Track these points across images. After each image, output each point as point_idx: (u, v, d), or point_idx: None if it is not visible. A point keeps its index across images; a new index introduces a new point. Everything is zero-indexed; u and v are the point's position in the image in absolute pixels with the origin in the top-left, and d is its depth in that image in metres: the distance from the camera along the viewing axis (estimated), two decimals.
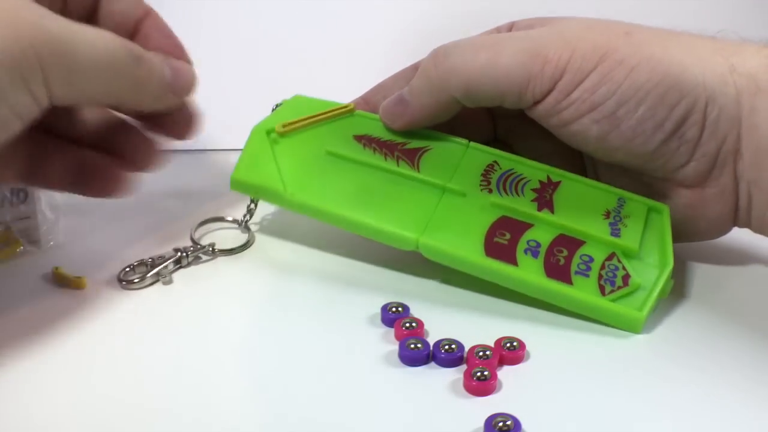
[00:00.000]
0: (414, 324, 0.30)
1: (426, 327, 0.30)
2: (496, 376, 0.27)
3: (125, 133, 0.32)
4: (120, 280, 0.32)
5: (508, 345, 0.29)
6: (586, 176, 0.35)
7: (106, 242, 0.36)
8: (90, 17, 0.32)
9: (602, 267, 0.31)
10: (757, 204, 0.32)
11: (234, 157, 0.36)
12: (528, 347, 0.29)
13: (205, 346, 0.29)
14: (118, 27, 0.32)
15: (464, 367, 0.28)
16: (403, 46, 0.43)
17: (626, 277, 0.31)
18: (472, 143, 0.35)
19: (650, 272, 0.31)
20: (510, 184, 0.34)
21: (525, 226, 0.32)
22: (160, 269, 0.33)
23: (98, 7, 0.32)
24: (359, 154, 0.35)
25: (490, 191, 0.33)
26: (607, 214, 0.33)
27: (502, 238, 0.32)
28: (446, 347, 0.28)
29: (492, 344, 0.29)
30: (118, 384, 0.27)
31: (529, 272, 0.31)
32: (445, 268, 0.32)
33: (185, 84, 0.32)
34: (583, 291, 0.30)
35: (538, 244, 0.32)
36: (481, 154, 0.35)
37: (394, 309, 0.31)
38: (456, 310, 0.32)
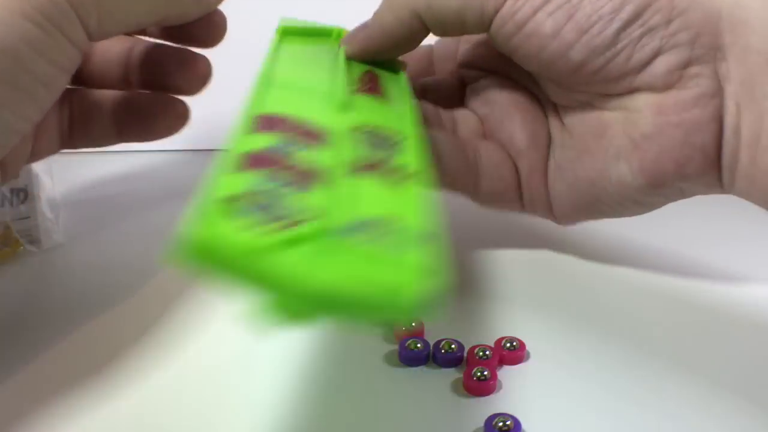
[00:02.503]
0: (414, 324, 0.30)
1: (426, 327, 0.30)
2: (496, 376, 0.27)
3: (164, 56, 0.31)
4: None
5: (508, 345, 0.29)
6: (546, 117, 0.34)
7: (107, 242, 0.36)
8: None
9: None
10: (748, 120, 0.27)
11: None
12: (528, 347, 0.29)
13: (200, 345, 0.29)
14: None
15: (464, 367, 0.28)
16: None
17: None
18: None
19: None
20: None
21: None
22: None
23: None
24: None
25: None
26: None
27: None
28: (446, 347, 0.28)
29: (492, 344, 0.29)
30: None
31: None
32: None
33: None
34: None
35: None
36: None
37: None
38: (456, 310, 0.32)
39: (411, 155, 0.26)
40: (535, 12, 0.29)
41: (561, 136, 0.33)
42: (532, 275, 0.34)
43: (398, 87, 0.33)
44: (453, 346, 0.28)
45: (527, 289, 0.33)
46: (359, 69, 0.34)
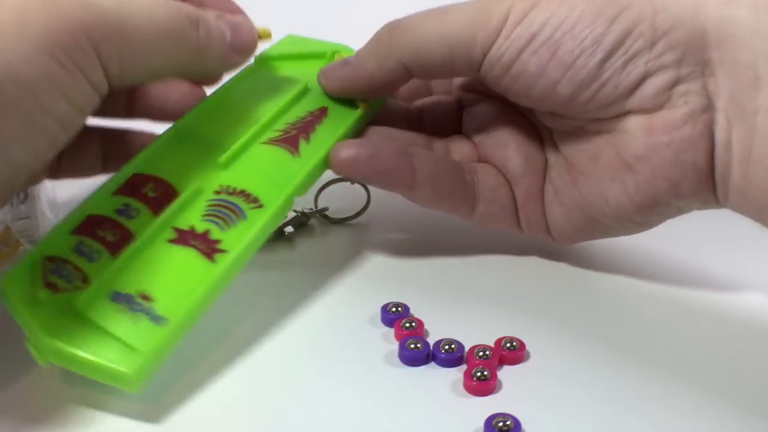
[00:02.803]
0: (414, 324, 0.30)
1: (426, 327, 0.30)
2: (496, 376, 0.27)
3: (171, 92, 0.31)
4: None
5: (508, 345, 0.28)
6: (543, 148, 0.34)
7: None
8: None
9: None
10: (739, 134, 0.27)
11: None
12: (528, 347, 0.29)
13: (201, 344, 0.29)
14: None
15: (464, 367, 0.28)
16: None
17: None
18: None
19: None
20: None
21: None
22: None
23: None
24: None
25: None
26: None
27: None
28: (446, 347, 0.28)
29: (492, 344, 0.29)
30: None
31: None
32: (446, 267, 0.32)
33: (247, 40, 0.31)
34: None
35: None
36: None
37: (394, 309, 0.31)
38: (456, 310, 0.32)
39: (243, 229, 0.29)
40: (519, 52, 0.30)
41: (557, 161, 0.33)
42: (533, 276, 0.34)
43: (335, 130, 0.33)
44: (453, 346, 0.28)
45: (527, 290, 0.33)
46: (314, 103, 0.34)
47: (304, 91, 0.35)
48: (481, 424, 0.25)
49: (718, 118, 0.27)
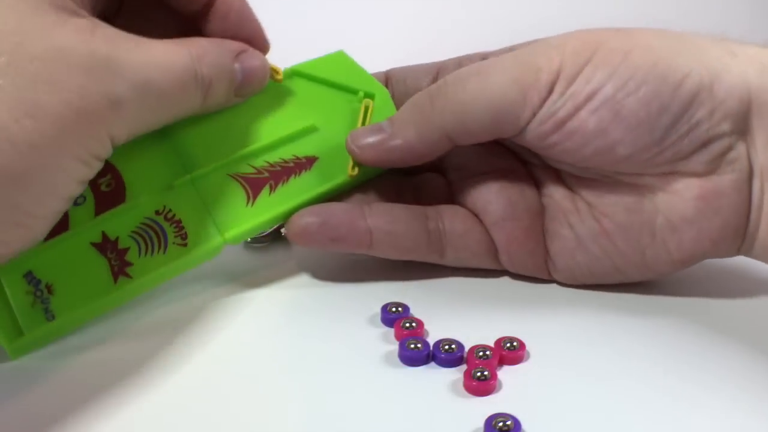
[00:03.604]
0: (414, 324, 0.30)
1: (426, 327, 0.30)
2: (496, 376, 0.27)
3: None
4: None
5: (508, 345, 0.28)
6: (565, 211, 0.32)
7: None
8: None
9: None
10: None
11: None
12: (528, 347, 0.29)
13: (202, 344, 0.29)
14: (189, 4, 0.31)
15: (464, 367, 0.28)
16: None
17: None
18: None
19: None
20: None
21: None
22: None
23: None
24: None
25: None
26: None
27: None
28: (446, 347, 0.28)
29: (492, 344, 0.29)
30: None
31: None
32: (446, 267, 0.32)
33: (254, 89, 0.31)
34: None
35: None
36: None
37: (393, 309, 0.31)
38: (456, 310, 0.32)
39: (156, 262, 0.29)
40: (577, 110, 0.29)
41: (574, 206, 0.32)
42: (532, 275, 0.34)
43: (307, 189, 0.32)
44: (453, 346, 0.28)
45: (527, 290, 0.33)
46: (308, 148, 0.33)
47: (307, 131, 0.33)
48: (481, 424, 0.25)
49: (755, 182, 0.29)
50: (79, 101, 0.25)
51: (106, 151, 0.27)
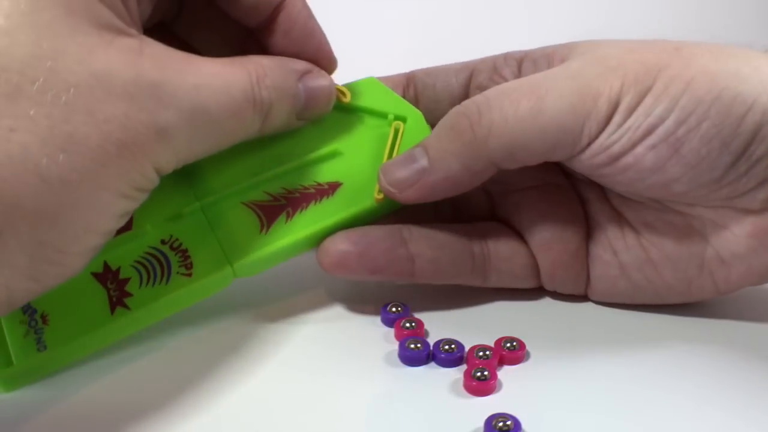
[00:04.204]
0: (414, 324, 0.30)
1: (426, 327, 0.30)
2: (496, 376, 0.27)
3: None
4: None
5: (508, 345, 0.28)
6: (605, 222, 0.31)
7: None
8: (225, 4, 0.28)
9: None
10: None
11: None
12: (528, 347, 0.29)
13: (200, 344, 0.29)
14: (251, 16, 0.29)
15: (464, 367, 0.28)
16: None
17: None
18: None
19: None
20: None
21: None
22: None
23: None
24: None
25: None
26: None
27: None
28: (446, 347, 0.28)
29: (492, 344, 0.29)
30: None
31: None
32: None
33: (319, 109, 0.29)
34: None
35: None
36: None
37: (394, 309, 0.31)
38: (456, 310, 0.32)
39: (158, 293, 0.28)
40: (634, 145, 0.27)
41: (620, 231, 0.31)
42: None
43: (327, 216, 0.30)
44: (453, 346, 0.28)
45: (527, 290, 0.33)
46: (331, 174, 0.30)
47: (329, 156, 0.31)
48: (481, 424, 0.25)
49: None
50: (121, 132, 0.22)
51: (151, 183, 0.24)
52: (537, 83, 0.28)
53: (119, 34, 0.23)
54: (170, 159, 0.24)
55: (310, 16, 0.29)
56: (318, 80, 0.29)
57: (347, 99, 0.31)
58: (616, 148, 0.27)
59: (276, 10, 0.29)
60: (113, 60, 0.23)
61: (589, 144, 0.27)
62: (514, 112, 0.28)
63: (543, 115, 0.27)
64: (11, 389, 0.27)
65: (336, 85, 0.31)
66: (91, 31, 0.23)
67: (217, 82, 0.25)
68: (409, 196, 0.29)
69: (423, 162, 0.29)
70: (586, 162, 0.28)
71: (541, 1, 0.63)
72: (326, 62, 0.30)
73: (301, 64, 0.29)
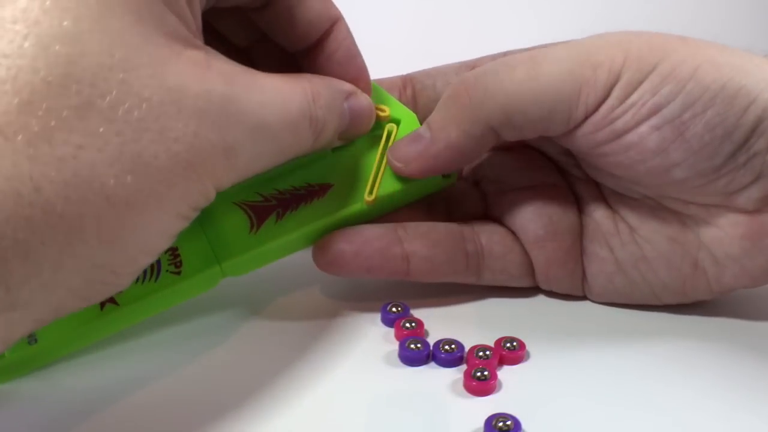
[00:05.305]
0: (414, 324, 0.30)
1: (426, 327, 0.30)
2: (496, 376, 0.27)
3: None
4: None
5: (508, 345, 0.28)
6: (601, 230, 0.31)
7: None
8: (282, 22, 0.28)
9: None
10: None
11: None
12: (528, 347, 0.29)
13: (198, 343, 0.29)
14: (301, 40, 0.29)
15: (464, 367, 0.28)
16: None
17: None
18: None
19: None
20: None
21: None
22: None
23: (293, 12, 0.28)
24: None
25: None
26: None
27: None
28: (446, 347, 0.28)
29: (492, 344, 0.29)
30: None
31: None
32: None
33: (361, 130, 0.30)
34: None
35: None
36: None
37: (393, 309, 0.31)
38: (456, 310, 0.32)
39: (147, 290, 0.28)
40: (638, 123, 0.27)
41: (615, 228, 0.31)
42: None
43: (318, 217, 0.30)
44: (453, 346, 0.28)
45: (527, 289, 0.33)
46: (323, 176, 0.30)
47: (321, 157, 0.31)
48: (481, 424, 0.25)
49: None
50: (189, 152, 0.21)
51: (207, 202, 0.23)
52: (537, 53, 0.28)
53: (187, 45, 0.22)
54: (231, 177, 0.24)
55: (353, 40, 0.30)
56: (361, 102, 0.29)
57: (386, 114, 0.32)
58: (620, 125, 0.27)
59: (324, 35, 0.29)
60: (184, 74, 0.21)
61: (586, 116, 0.27)
62: (510, 76, 0.28)
63: (539, 79, 0.27)
64: (1, 381, 0.27)
65: (375, 104, 0.31)
66: (161, 41, 0.21)
67: (278, 99, 0.25)
68: (414, 168, 0.30)
69: (426, 135, 0.29)
70: (588, 138, 0.28)
71: (541, 1, 0.63)
72: (365, 85, 0.30)
73: (347, 86, 0.29)
